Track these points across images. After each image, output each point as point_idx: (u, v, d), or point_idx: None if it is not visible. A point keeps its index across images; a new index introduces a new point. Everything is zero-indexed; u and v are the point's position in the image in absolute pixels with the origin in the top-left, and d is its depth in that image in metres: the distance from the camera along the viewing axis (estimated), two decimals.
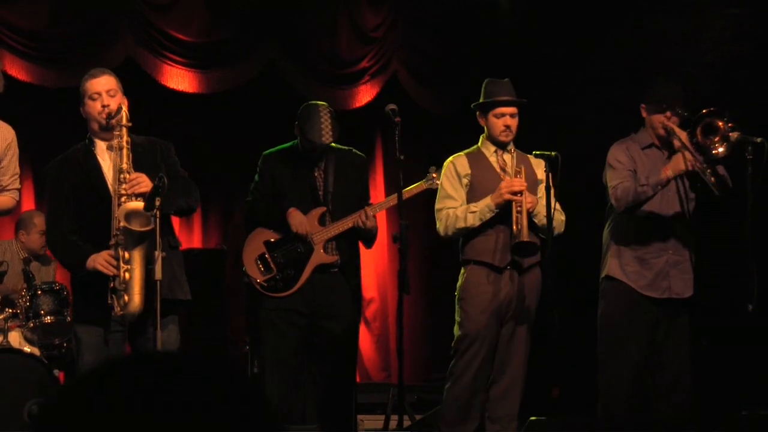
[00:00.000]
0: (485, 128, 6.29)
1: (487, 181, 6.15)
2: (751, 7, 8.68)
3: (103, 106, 5.39)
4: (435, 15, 9.34)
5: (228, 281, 8.90)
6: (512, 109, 6.21)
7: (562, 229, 6.24)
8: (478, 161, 6.25)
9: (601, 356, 6.40)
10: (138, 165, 5.37)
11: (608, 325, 6.36)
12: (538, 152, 6.05)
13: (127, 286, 5.18)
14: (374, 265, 9.41)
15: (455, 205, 6.17)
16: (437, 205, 6.24)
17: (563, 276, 6.22)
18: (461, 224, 6.09)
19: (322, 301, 6.38)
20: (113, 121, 5.35)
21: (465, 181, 6.21)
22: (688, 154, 5.97)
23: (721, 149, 5.99)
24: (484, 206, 6.06)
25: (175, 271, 5.50)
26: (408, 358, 6.74)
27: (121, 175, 5.29)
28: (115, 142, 5.36)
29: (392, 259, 9.47)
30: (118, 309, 5.18)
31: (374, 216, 6.42)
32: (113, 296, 5.20)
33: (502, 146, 6.26)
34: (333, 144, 6.40)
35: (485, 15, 9.45)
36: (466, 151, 6.32)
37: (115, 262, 5.20)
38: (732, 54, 8.72)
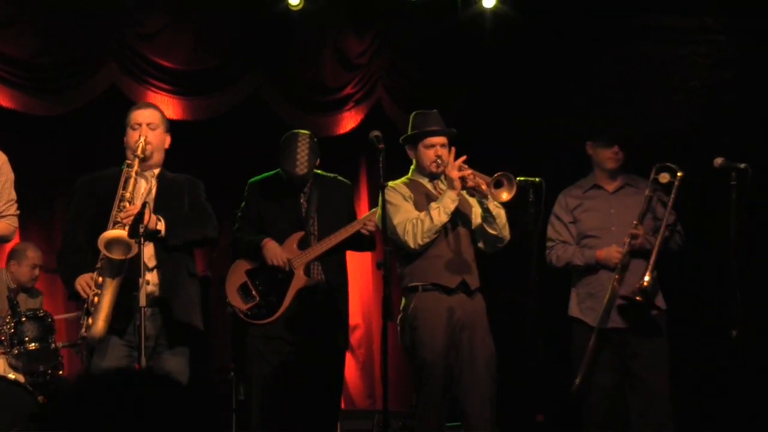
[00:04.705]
0: (414, 160, 6.16)
1: (428, 206, 5.95)
2: (734, 33, 8.72)
3: (140, 137, 5.45)
4: (420, 42, 9.34)
5: (213, 308, 8.86)
6: (442, 139, 6.06)
7: (508, 237, 6.06)
8: (416, 188, 6.09)
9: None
10: (160, 199, 5.48)
11: (576, 359, 6.39)
12: (522, 178, 5.98)
13: (95, 309, 5.23)
14: (359, 292, 9.38)
15: (413, 211, 5.94)
16: (395, 221, 5.90)
17: (546, 302, 6.20)
18: (429, 224, 5.82)
19: (307, 327, 6.39)
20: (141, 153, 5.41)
21: (410, 201, 6.03)
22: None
23: None
24: (443, 197, 5.87)
25: (193, 298, 5.57)
26: (392, 384, 6.72)
27: (122, 203, 5.35)
28: (126, 170, 5.43)
29: (376, 286, 9.45)
30: (84, 330, 5.25)
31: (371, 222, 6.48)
32: (84, 316, 5.28)
33: (434, 177, 6.10)
34: (318, 171, 6.49)
35: (469, 43, 9.45)
36: (401, 180, 6.15)
37: (92, 285, 5.27)
38: (716, 79, 8.76)
